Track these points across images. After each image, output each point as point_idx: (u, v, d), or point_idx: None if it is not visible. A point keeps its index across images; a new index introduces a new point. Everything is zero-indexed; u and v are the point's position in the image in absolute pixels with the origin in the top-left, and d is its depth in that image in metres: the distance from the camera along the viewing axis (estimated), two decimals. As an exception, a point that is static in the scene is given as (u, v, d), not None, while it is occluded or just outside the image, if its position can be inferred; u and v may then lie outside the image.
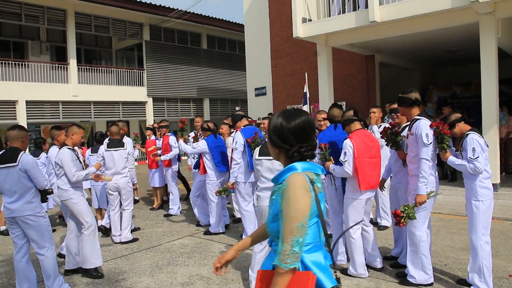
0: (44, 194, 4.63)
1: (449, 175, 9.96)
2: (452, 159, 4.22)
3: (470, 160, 4.04)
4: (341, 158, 4.58)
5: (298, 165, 2.02)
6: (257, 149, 4.55)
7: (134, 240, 6.70)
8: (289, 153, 2.04)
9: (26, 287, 4.53)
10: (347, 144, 4.55)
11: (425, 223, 4.32)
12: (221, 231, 6.93)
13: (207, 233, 6.93)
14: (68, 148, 5.17)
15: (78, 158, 5.27)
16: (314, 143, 2.09)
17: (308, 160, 2.07)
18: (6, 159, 4.44)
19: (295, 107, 14.27)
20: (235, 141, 6.20)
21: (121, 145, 6.76)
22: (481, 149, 4.05)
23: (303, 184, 1.93)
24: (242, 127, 6.38)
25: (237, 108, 18.49)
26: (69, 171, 5.05)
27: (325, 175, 5.14)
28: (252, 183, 6.32)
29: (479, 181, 4.09)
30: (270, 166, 4.34)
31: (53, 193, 5.39)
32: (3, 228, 7.66)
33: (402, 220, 4.07)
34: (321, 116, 5.92)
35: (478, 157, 4.01)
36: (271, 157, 4.19)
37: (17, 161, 4.38)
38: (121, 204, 6.85)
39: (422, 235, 4.28)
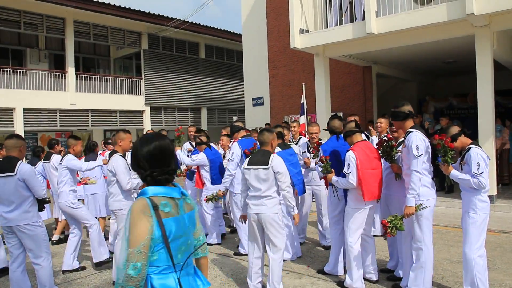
0: (42, 203, 4.62)
1: (446, 187, 9.96)
2: (455, 173, 4.17)
3: (474, 175, 4.01)
4: (345, 170, 4.60)
5: (150, 189, 2.08)
6: (247, 159, 4.65)
7: None
8: (142, 177, 2.13)
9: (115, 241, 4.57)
10: (350, 156, 4.57)
11: (430, 237, 4.31)
12: (216, 243, 6.90)
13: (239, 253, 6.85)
14: (120, 155, 5.05)
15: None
16: (170, 168, 2.15)
17: (165, 184, 2.13)
18: (3, 168, 4.41)
19: (292, 117, 14.32)
20: (232, 152, 6.21)
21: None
22: (485, 164, 4.03)
23: (142, 210, 1.98)
24: (240, 138, 6.38)
25: (234, 119, 18.49)
26: (124, 179, 4.92)
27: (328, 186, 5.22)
28: None
29: (477, 194, 4.07)
30: (257, 175, 4.46)
31: (50, 202, 5.35)
32: None
33: (389, 230, 4.07)
34: (313, 130, 6.12)
35: (482, 172, 3.98)
36: (258, 167, 4.46)
37: (15, 171, 4.36)
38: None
39: (429, 249, 4.26)
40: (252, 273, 4.62)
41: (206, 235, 7.00)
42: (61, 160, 6.03)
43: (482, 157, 4.04)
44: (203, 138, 7.01)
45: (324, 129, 5.71)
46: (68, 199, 5.72)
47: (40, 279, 4.57)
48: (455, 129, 4.31)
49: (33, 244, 4.49)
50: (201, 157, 6.82)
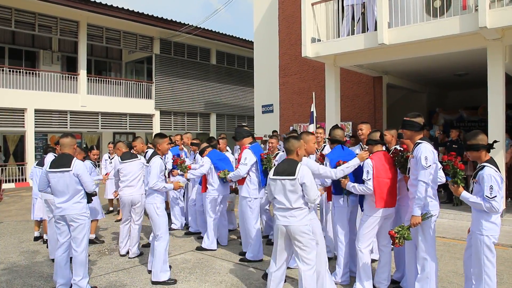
0: (90, 196, 5.16)
1: (454, 200, 9.89)
2: (465, 195, 3.93)
3: (486, 199, 3.78)
4: (364, 176, 4.70)
5: None
6: (272, 169, 4.41)
7: (141, 254, 6.64)
8: None
9: (62, 282, 4.95)
10: (368, 164, 4.69)
11: (434, 248, 4.31)
12: (214, 248, 6.85)
13: (200, 248, 6.87)
14: (159, 157, 5.64)
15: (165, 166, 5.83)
16: None
17: None
18: (60, 164, 4.97)
19: (301, 125, 14.33)
20: (245, 157, 6.21)
21: (135, 156, 6.81)
22: (499, 187, 3.80)
23: None
24: (249, 144, 6.40)
25: (243, 124, 18.54)
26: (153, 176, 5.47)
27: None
28: (261, 199, 6.44)
29: (487, 215, 3.88)
30: (283, 186, 4.20)
31: (96, 195, 5.78)
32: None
33: (397, 241, 4.11)
34: (319, 131, 6.07)
35: (495, 196, 3.76)
36: (285, 177, 4.18)
37: (71, 166, 4.89)
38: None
39: (433, 260, 4.28)
40: (271, 283, 4.39)
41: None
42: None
43: (496, 180, 3.80)
44: (197, 141, 7.71)
45: (328, 139, 5.74)
46: None
47: (76, 266, 4.89)
48: (483, 139, 3.99)
49: (78, 232, 4.91)
50: (206, 162, 6.88)
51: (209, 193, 6.88)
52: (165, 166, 5.67)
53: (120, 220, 9.18)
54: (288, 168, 4.21)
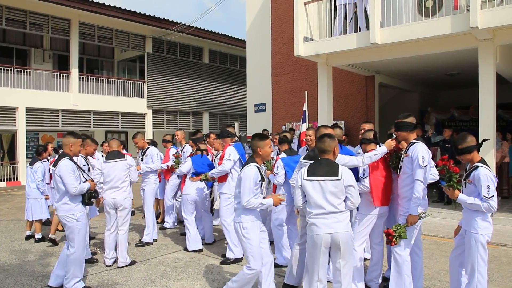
0: (89, 198, 5.17)
1: (445, 198, 9.98)
2: (462, 198, 3.95)
3: (485, 199, 3.81)
4: (361, 174, 4.72)
5: None
6: (304, 169, 4.06)
7: (133, 263, 6.12)
8: None
9: (59, 273, 5.12)
10: None
11: (410, 244, 4.35)
12: (199, 248, 6.78)
13: (186, 250, 6.80)
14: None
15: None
16: None
17: None
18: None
19: (293, 124, 14.35)
20: (229, 153, 6.26)
21: (121, 156, 6.32)
22: (494, 186, 3.85)
23: None
24: (232, 143, 6.47)
25: (230, 124, 18.45)
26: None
27: None
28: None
29: (483, 214, 3.92)
30: (324, 188, 3.89)
31: (96, 197, 5.49)
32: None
33: (394, 239, 4.16)
34: (309, 132, 5.93)
35: (493, 196, 3.80)
36: (326, 178, 3.89)
37: (56, 167, 4.92)
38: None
39: (406, 255, 4.33)
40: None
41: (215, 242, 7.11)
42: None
43: (491, 179, 3.85)
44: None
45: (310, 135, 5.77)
46: None
47: (67, 264, 4.98)
48: (473, 140, 4.03)
49: (68, 233, 5.00)
50: (188, 162, 7.04)
51: (184, 194, 6.95)
52: (262, 177, 4.48)
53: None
54: (328, 169, 3.92)
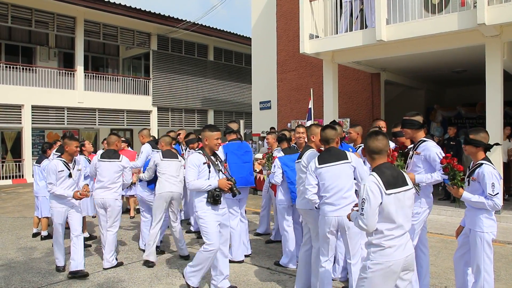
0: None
1: (451, 196, 9.91)
2: (467, 196, 3.91)
3: (489, 197, 3.78)
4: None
5: None
6: (315, 160, 4.37)
7: (119, 264, 5.94)
8: None
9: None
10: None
11: (415, 239, 4.31)
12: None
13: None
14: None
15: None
16: None
17: None
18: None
19: (299, 122, 14.31)
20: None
21: (116, 156, 6.11)
22: (499, 184, 3.81)
23: None
24: (228, 142, 6.22)
25: (235, 120, 18.45)
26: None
27: None
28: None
29: (488, 213, 3.88)
30: (337, 171, 4.27)
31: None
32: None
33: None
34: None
35: (497, 193, 3.77)
36: (337, 162, 4.26)
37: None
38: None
39: (424, 252, 4.35)
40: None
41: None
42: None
43: (496, 177, 3.81)
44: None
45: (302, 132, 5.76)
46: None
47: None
48: (485, 138, 3.99)
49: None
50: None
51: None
52: (211, 161, 4.77)
53: (133, 216, 9.24)
54: (336, 155, 4.30)
